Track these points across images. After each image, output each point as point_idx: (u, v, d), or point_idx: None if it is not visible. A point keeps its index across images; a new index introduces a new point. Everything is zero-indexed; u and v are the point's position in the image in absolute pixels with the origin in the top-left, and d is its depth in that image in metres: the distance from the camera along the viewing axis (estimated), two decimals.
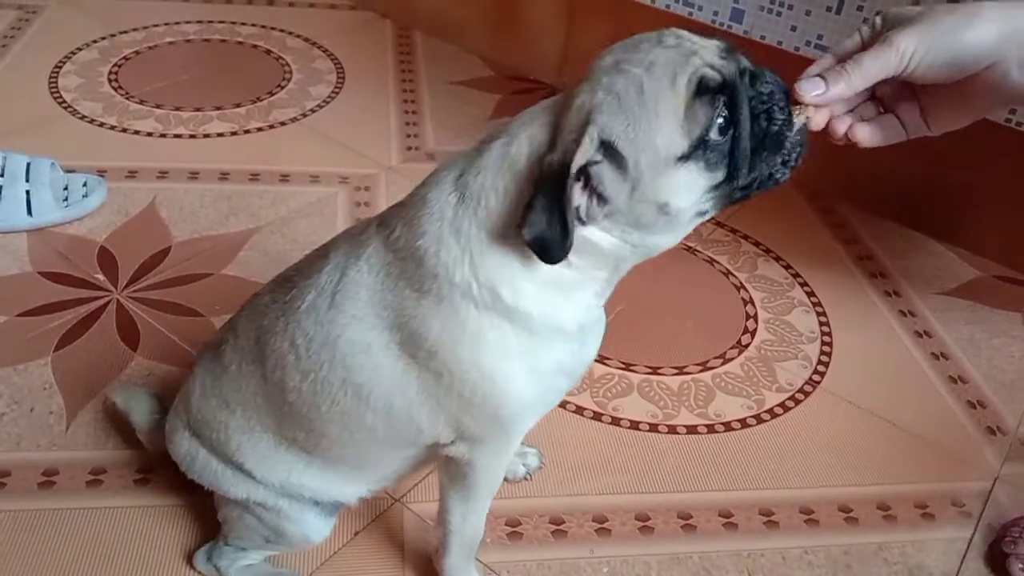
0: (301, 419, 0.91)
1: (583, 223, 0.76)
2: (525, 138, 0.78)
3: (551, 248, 0.74)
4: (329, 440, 0.92)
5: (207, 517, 1.07)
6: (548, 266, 0.78)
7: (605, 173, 0.74)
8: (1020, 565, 1.14)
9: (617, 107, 0.73)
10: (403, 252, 0.83)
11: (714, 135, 0.74)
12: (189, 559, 1.09)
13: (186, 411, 1.01)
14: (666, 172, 0.74)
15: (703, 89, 0.73)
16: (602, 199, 0.75)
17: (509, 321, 0.81)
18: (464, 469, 0.93)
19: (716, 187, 0.76)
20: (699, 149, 0.74)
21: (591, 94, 0.75)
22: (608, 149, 0.73)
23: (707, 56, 0.75)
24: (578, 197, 0.75)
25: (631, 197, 0.75)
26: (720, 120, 0.74)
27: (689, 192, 0.76)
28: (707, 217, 0.80)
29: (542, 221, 0.73)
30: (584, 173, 0.74)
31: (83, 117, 1.92)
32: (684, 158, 0.74)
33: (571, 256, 0.78)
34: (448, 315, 0.81)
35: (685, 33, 0.78)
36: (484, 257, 0.79)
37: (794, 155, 0.79)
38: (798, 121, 0.79)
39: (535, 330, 0.82)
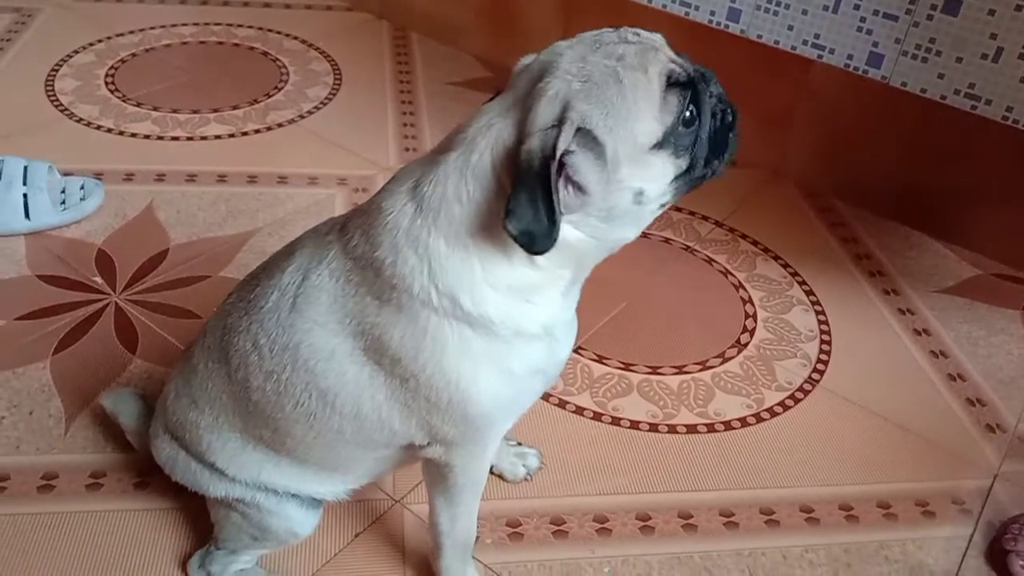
0: (266, 418, 0.91)
1: (562, 214, 0.76)
2: (487, 145, 0.78)
3: (538, 239, 0.74)
4: (295, 439, 0.92)
5: (205, 521, 1.07)
6: (510, 270, 0.79)
7: (581, 162, 0.75)
8: (1021, 562, 1.14)
9: (596, 96, 0.75)
10: (362, 261, 0.83)
11: (682, 127, 0.77)
12: (183, 566, 1.08)
13: (164, 414, 1.02)
14: (642, 160, 0.77)
15: (673, 83, 0.76)
16: (579, 189, 0.76)
17: (470, 326, 0.81)
18: (444, 471, 0.93)
19: (677, 177, 0.80)
20: (670, 138, 0.77)
21: (564, 83, 0.75)
22: (585, 138, 0.74)
23: (667, 52, 0.79)
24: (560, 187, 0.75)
25: (607, 187, 0.77)
26: (687, 113, 0.77)
27: (660, 180, 0.79)
28: (667, 207, 0.83)
29: (528, 214, 0.73)
30: (560, 164, 0.74)
31: (80, 120, 1.92)
32: (658, 146, 0.77)
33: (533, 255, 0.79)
34: (408, 323, 0.82)
35: (636, 28, 0.81)
36: (444, 266, 0.80)
37: (733, 152, 0.84)
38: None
39: (497, 334, 0.82)
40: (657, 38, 0.80)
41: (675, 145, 0.77)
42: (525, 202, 0.73)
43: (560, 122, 0.73)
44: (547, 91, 0.76)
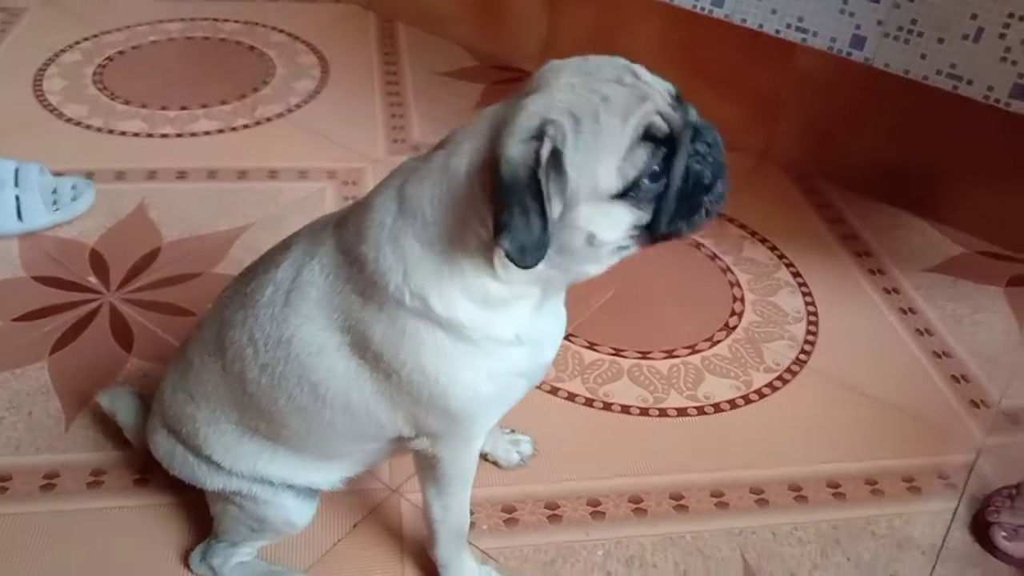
0: (261, 411, 0.93)
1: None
2: (467, 150, 0.79)
3: (529, 252, 0.74)
4: (290, 431, 0.94)
5: (205, 515, 1.09)
6: (476, 279, 0.80)
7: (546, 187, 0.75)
8: (1003, 534, 1.17)
9: (573, 127, 0.75)
10: (351, 255, 0.85)
11: (646, 181, 0.76)
12: (185, 560, 1.10)
13: (160, 409, 1.04)
14: (601, 206, 0.77)
15: (648, 136, 0.76)
16: None
17: (443, 329, 0.83)
18: (432, 463, 0.95)
19: (637, 227, 0.79)
20: (632, 191, 0.76)
21: (547, 106, 0.76)
22: (557, 162, 0.74)
23: (659, 102, 0.77)
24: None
25: (560, 221, 0.77)
26: (655, 167, 0.76)
27: (616, 229, 0.78)
28: (627, 253, 0.82)
29: (520, 225, 0.73)
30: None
31: (69, 120, 1.92)
32: (619, 196, 0.76)
33: (498, 269, 0.80)
34: (389, 321, 0.83)
35: (641, 71, 0.79)
36: (417, 267, 0.81)
37: (710, 216, 0.82)
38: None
39: (470, 338, 0.84)
40: (659, 85, 0.79)
41: (636, 198, 0.77)
42: (517, 214, 0.73)
43: (540, 135, 0.74)
44: (529, 107, 0.76)
